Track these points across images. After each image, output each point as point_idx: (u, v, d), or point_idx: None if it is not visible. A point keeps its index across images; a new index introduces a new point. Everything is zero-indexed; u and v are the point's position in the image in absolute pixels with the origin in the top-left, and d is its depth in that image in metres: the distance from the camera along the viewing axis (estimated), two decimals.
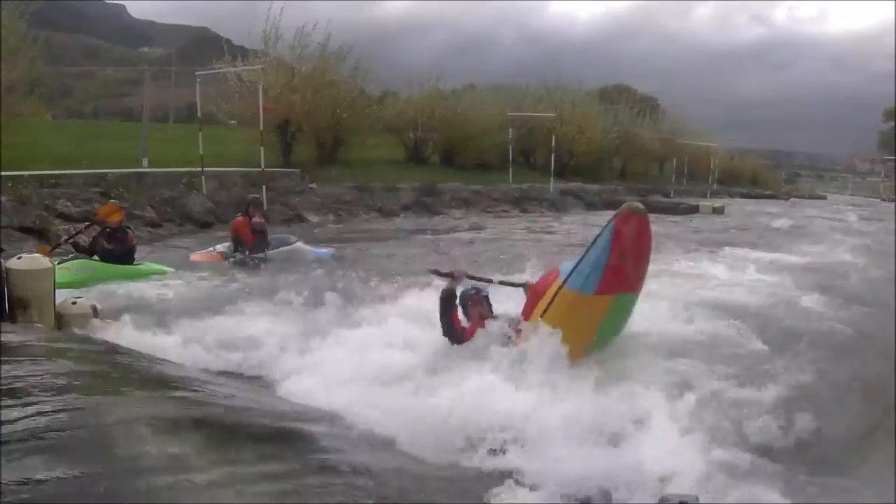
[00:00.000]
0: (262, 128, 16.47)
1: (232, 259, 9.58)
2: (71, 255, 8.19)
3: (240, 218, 9.99)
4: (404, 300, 6.60)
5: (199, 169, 15.82)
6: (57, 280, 7.13)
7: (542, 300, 4.55)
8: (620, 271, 4.23)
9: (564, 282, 4.36)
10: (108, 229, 8.22)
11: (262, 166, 16.22)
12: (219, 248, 9.99)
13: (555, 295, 4.41)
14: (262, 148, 16.10)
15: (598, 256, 4.19)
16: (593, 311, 4.36)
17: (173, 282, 8.08)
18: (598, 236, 4.24)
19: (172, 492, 2.37)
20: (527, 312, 4.75)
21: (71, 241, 8.38)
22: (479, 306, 4.94)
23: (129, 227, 8.65)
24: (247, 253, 9.66)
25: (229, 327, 5.88)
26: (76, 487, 2.30)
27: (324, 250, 10.63)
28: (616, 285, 4.30)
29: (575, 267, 4.32)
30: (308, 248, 10.31)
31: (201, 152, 15.66)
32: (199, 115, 17.32)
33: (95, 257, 8.12)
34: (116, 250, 8.12)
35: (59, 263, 7.84)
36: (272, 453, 2.98)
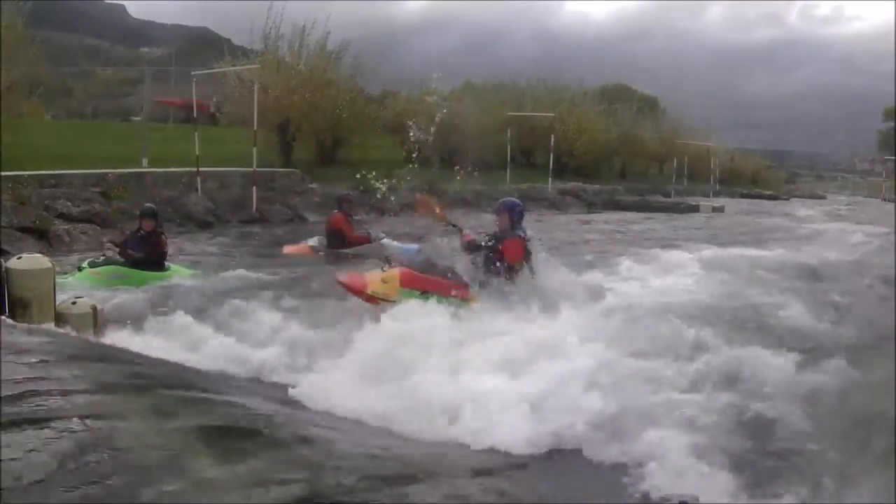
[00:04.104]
0: (255, 128, 16.39)
1: (321, 253, 9.66)
2: (102, 259, 8.06)
3: (338, 213, 10.16)
4: None
5: (195, 170, 15.79)
6: (88, 284, 7.08)
7: None
8: None
9: None
10: (140, 233, 7.98)
11: (255, 166, 16.09)
12: (310, 241, 10.10)
13: None
14: (254, 148, 15.97)
15: None
16: None
17: (177, 281, 8.07)
18: None
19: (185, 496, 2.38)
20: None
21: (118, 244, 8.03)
22: None
23: (161, 231, 8.33)
24: (326, 247, 9.83)
25: (232, 328, 5.86)
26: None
27: (411, 246, 10.43)
28: None
29: None
30: (395, 244, 10.07)
31: (197, 153, 15.58)
32: (194, 115, 17.30)
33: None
34: (149, 257, 7.84)
35: (90, 266, 7.71)
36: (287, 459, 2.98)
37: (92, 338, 5.43)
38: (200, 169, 15.66)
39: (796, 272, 9.43)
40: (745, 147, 60.70)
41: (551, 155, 27.01)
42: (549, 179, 26.50)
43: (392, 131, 28.51)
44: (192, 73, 17.59)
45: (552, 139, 26.74)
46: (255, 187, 15.76)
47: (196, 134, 15.79)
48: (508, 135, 25.90)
